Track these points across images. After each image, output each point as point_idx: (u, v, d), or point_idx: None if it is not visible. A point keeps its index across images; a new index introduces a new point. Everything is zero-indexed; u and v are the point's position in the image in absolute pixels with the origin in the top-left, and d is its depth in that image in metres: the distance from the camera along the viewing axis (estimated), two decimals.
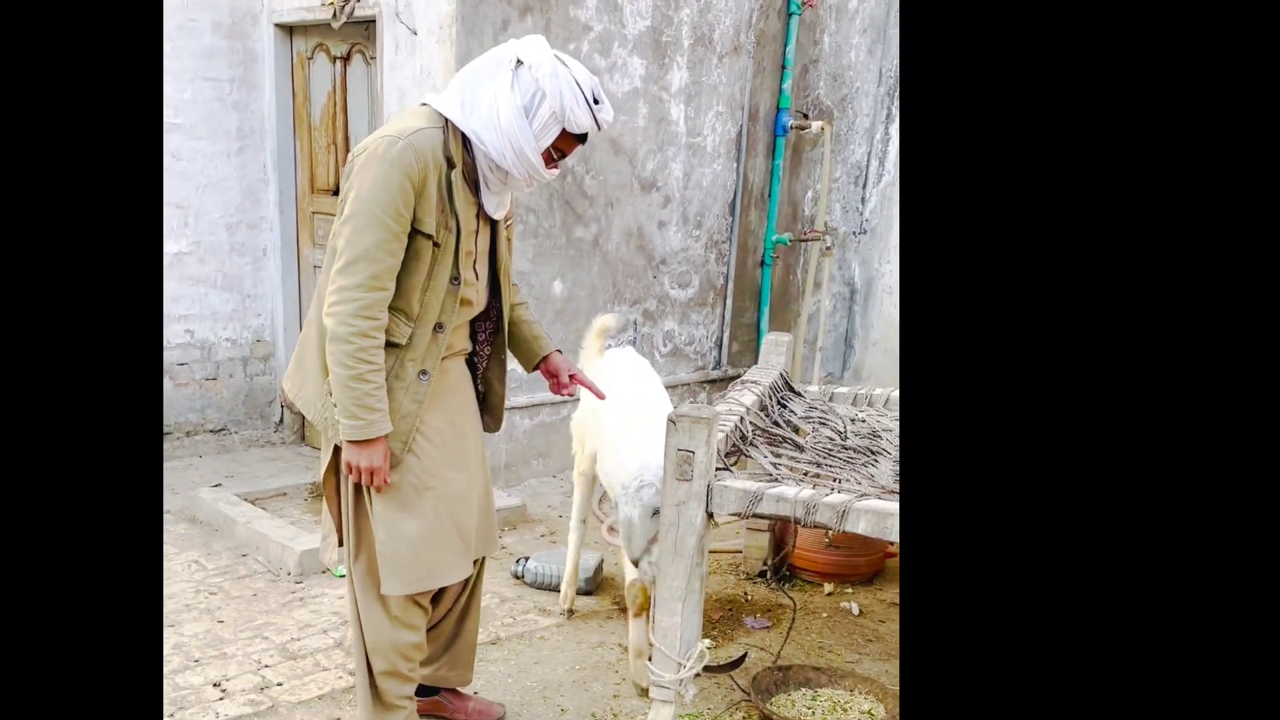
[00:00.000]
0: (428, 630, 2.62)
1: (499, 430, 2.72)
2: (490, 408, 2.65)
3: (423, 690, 2.79)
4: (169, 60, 4.86)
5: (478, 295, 2.45)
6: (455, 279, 2.32)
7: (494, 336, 2.58)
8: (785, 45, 5.53)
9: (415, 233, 2.23)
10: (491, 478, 4.50)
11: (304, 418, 5.53)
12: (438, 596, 2.63)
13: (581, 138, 2.30)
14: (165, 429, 5.20)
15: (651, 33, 4.91)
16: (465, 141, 2.29)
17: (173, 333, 5.13)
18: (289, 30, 5.14)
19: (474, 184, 2.32)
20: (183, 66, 4.92)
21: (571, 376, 2.68)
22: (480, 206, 2.36)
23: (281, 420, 5.57)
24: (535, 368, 2.71)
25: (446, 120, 2.27)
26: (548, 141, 2.24)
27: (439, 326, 2.33)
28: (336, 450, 2.36)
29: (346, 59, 4.97)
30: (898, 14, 5.97)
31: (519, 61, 2.22)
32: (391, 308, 2.26)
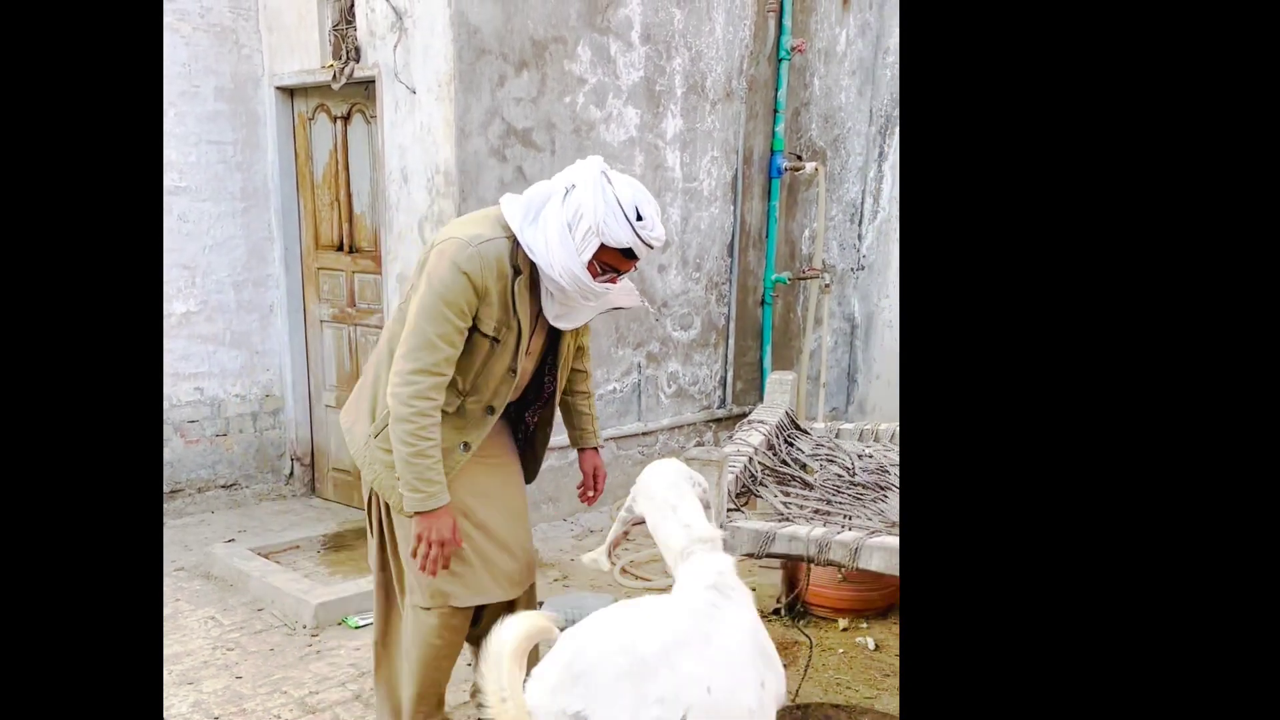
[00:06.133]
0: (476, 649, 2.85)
1: (533, 482, 2.86)
2: (527, 462, 2.81)
3: None
4: (174, 126, 4.96)
5: (526, 378, 2.63)
6: (513, 370, 2.50)
7: (542, 410, 2.74)
8: (776, 90, 5.64)
9: (475, 330, 2.40)
10: None
11: (313, 471, 5.58)
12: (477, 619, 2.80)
13: (628, 253, 2.35)
14: (177, 486, 5.24)
15: (645, 83, 5.02)
16: None
17: (182, 391, 5.18)
18: (290, 92, 5.25)
19: (537, 288, 2.44)
20: (187, 131, 5.02)
21: (595, 481, 2.88)
22: (540, 309, 2.49)
23: (292, 473, 5.61)
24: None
25: None
26: (589, 254, 2.32)
27: (490, 410, 2.51)
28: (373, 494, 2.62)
29: (347, 118, 5.07)
30: (884, 55, 6.09)
31: (573, 184, 2.34)
32: None
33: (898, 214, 6.11)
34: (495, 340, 2.42)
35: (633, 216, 2.30)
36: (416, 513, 2.40)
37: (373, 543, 2.74)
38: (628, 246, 2.32)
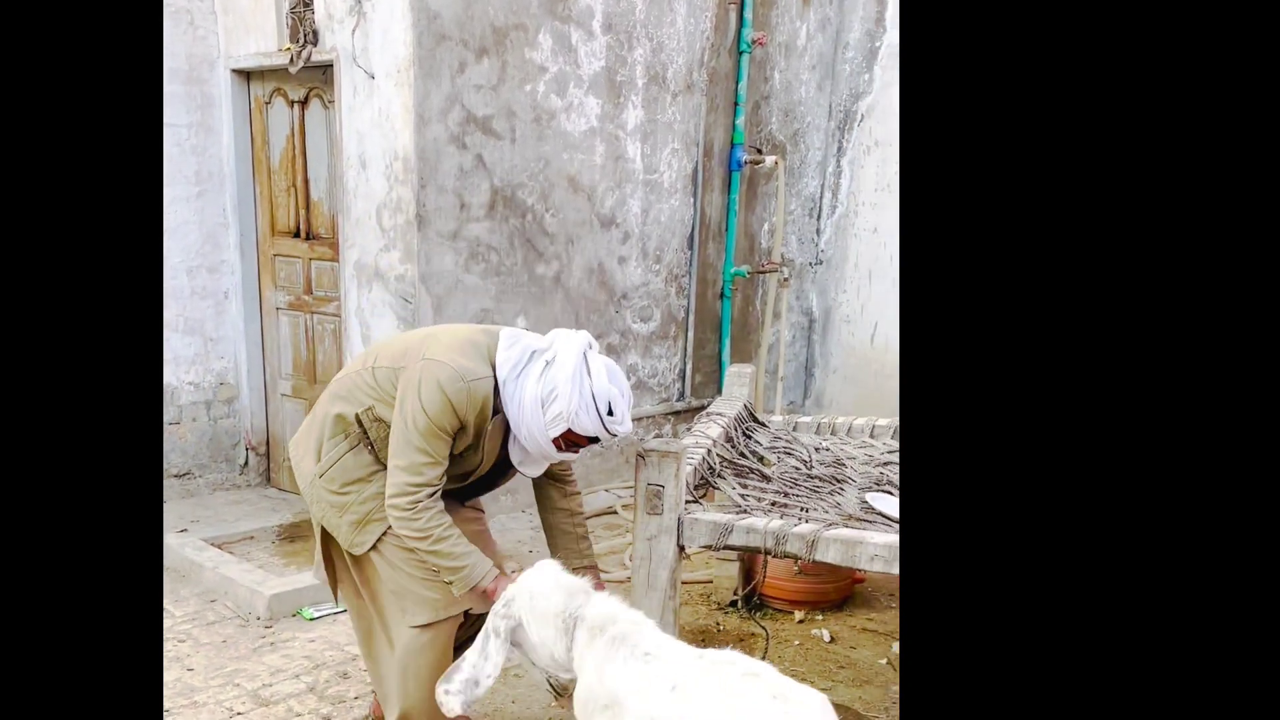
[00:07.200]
0: None
1: None
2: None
3: None
4: None
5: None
6: (463, 476, 2.60)
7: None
8: (737, 82, 5.65)
9: None
10: None
11: (269, 460, 5.51)
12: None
13: (593, 438, 2.44)
14: None
15: (606, 73, 5.00)
16: None
17: None
18: (246, 75, 5.17)
19: (508, 427, 2.53)
20: None
21: None
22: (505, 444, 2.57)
23: (246, 463, 5.54)
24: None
25: None
26: (556, 433, 2.43)
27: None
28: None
29: (304, 103, 5.01)
30: (844, 50, 6.13)
31: (554, 358, 2.45)
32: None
33: (855, 209, 6.16)
34: (459, 456, 2.51)
35: (604, 411, 2.39)
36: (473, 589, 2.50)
37: (344, 590, 2.76)
38: (594, 436, 2.43)
